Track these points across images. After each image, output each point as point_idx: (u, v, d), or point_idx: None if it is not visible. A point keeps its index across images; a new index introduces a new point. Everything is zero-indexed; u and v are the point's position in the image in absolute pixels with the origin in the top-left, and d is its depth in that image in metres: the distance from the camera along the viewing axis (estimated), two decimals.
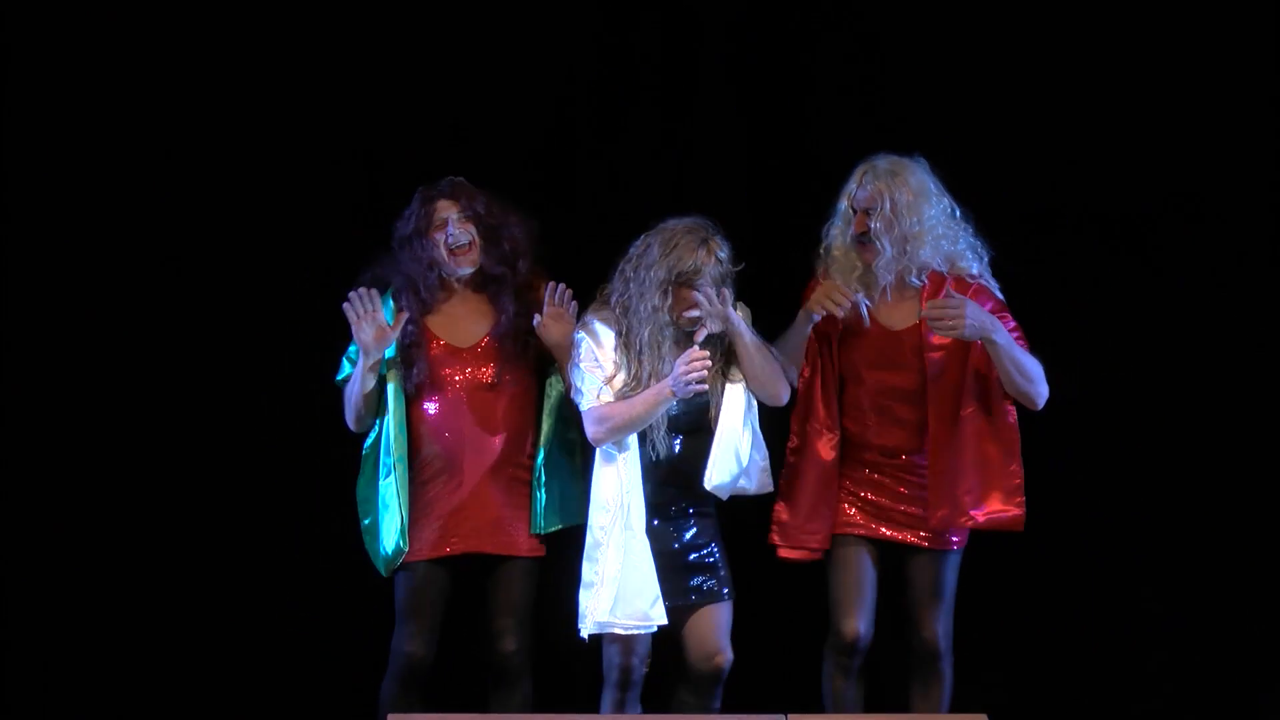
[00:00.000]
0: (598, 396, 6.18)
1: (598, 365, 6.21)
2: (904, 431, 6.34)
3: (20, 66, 7.15)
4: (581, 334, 6.24)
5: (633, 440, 6.19)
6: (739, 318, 6.19)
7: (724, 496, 6.31)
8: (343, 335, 6.37)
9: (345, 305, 6.25)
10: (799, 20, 7.23)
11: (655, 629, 6.18)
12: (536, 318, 6.28)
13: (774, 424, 6.42)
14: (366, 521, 6.35)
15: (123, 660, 7.13)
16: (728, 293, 6.16)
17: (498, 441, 6.31)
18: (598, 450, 6.21)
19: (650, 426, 6.18)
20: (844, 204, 6.36)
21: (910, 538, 6.35)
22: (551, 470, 6.36)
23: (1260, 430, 7.20)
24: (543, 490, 6.35)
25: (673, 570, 6.24)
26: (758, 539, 6.52)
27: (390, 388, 6.31)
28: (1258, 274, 7.19)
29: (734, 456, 6.25)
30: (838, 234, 6.38)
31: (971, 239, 6.38)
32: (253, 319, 7.15)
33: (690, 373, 6.03)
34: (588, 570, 6.20)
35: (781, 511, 6.39)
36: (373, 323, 6.22)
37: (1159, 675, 7.21)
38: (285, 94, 7.16)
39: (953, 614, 6.39)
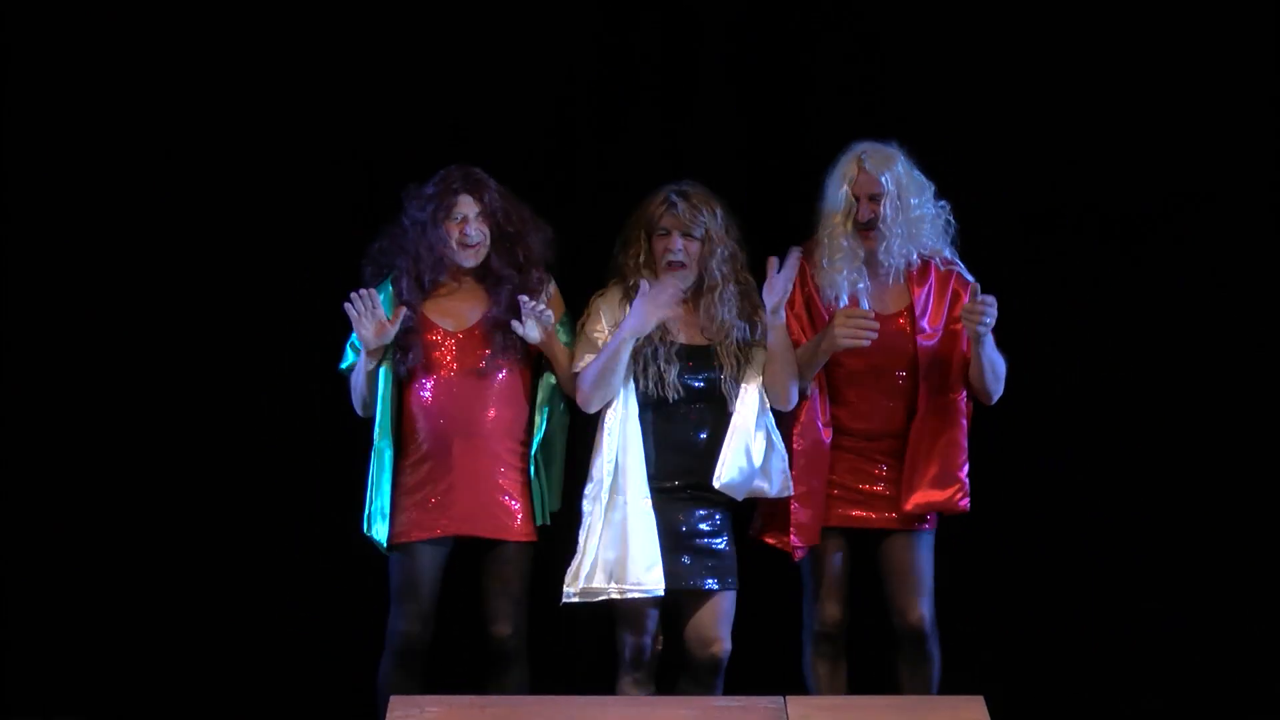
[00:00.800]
0: (582, 362, 6.30)
1: (592, 340, 6.31)
2: (889, 414, 6.35)
3: (20, 66, 7.17)
4: (592, 303, 6.39)
5: (633, 405, 6.24)
6: (782, 322, 6.25)
7: (738, 497, 6.32)
8: (342, 333, 6.39)
9: (346, 305, 6.27)
10: (799, 20, 7.24)
11: (653, 595, 6.19)
12: (516, 325, 6.29)
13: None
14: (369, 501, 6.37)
15: (122, 650, 7.14)
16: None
17: (488, 426, 6.32)
18: (605, 417, 6.27)
19: (659, 380, 6.23)
20: (844, 189, 6.34)
21: (882, 520, 6.35)
22: (547, 460, 6.38)
23: (1260, 429, 7.19)
24: (542, 481, 6.36)
25: (677, 551, 6.26)
26: (751, 524, 6.51)
27: (382, 371, 6.34)
28: (1258, 274, 7.18)
29: (745, 455, 6.27)
30: (838, 222, 6.36)
31: (947, 221, 6.40)
32: (253, 318, 7.15)
33: (652, 298, 6.15)
34: (590, 535, 6.26)
35: (799, 512, 6.37)
36: (372, 319, 6.25)
37: (1154, 665, 7.20)
38: (285, 94, 7.17)
39: (933, 594, 6.38)
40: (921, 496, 6.31)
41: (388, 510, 6.29)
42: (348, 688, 6.84)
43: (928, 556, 6.38)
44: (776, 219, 7.08)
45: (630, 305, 6.29)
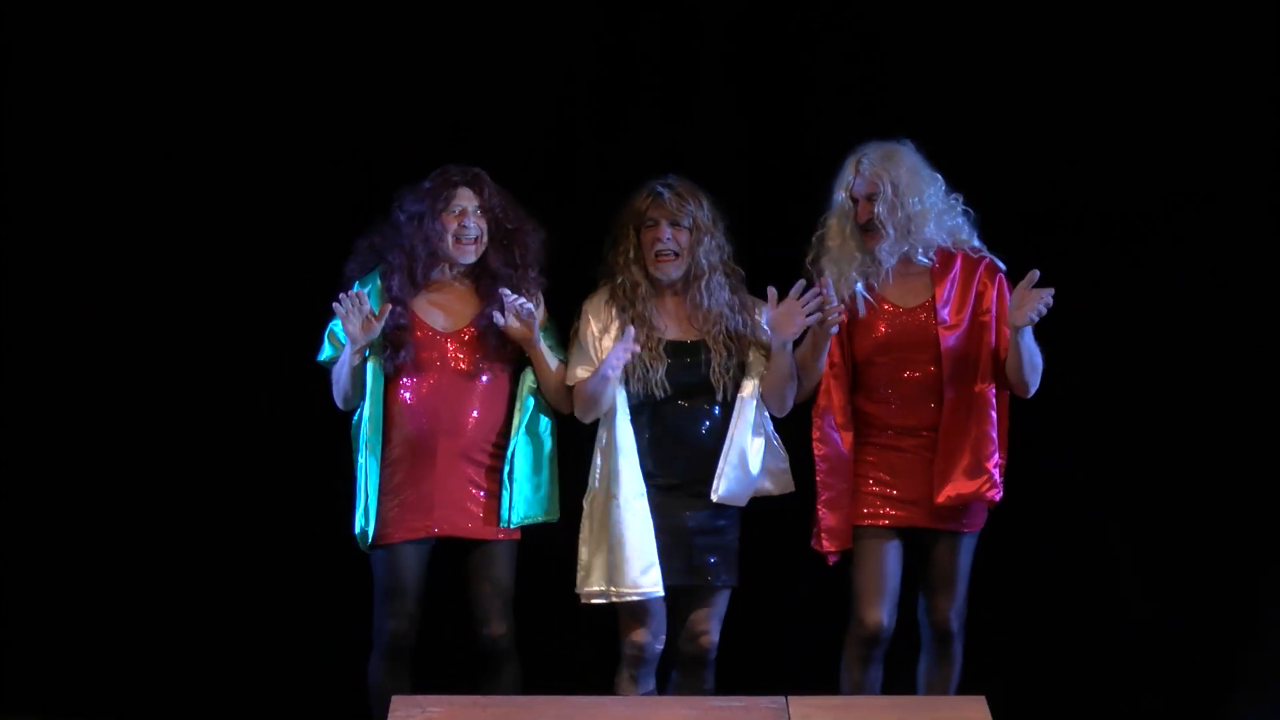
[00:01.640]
0: (576, 375, 6.33)
1: (582, 349, 6.34)
2: (923, 409, 6.35)
3: (20, 66, 7.17)
4: (582, 309, 6.40)
5: (624, 408, 6.27)
6: (788, 351, 6.28)
7: (741, 503, 6.35)
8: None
9: (335, 304, 6.25)
10: (799, 20, 7.25)
11: (652, 597, 6.21)
12: (498, 316, 6.28)
13: (792, 422, 6.46)
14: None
15: (122, 649, 7.16)
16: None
17: (471, 427, 6.32)
18: (597, 426, 6.31)
19: (647, 383, 6.26)
20: (841, 195, 6.38)
21: (932, 521, 6.34)
22: (519, 464, 6.36)
23: (1260, 429, 7.19)
24: (510, 484, 6.35)
25: (677, 548, 6.28)
26: (757, 521, 6.51)
27: (370, 368, 6.32)
28: (1258, 274, 7.18)
29: (742, 466, 6.31)
30: (834, 225, 6.39)
31: (966, 211, 6.41)
32: (253, 318, 7.15)
33: (617, 355, 6.18)
34: (584, 540, 6.29)
35: (827, 516, 6.38)
36: (359, 314, 6.22)
37: (1155, 665, 7.20)
38: (285, 94, 7.17)
39: (966, 597, 6.39)
40: (953, 489, 6.31)
41: (374, 510, 6.27)
42: (342, 686, 6.85)
43: (968, 560, 6.40)
44: (776, 219, 7.09)
45: (617, 307, 6.34)
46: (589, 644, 6.79)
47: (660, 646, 6.32)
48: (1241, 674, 7.14)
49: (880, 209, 6.29)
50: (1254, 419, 7.19)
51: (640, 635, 6.29)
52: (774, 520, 6.67)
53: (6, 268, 7.18)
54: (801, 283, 6.27)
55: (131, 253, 7.18)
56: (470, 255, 6.36)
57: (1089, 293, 7.16)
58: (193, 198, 7.17)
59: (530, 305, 6.29)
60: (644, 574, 6.21)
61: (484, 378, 6.35)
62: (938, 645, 6.41)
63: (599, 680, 6.45)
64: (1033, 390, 6.36)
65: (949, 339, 6.32)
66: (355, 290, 6.25)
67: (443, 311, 6.38)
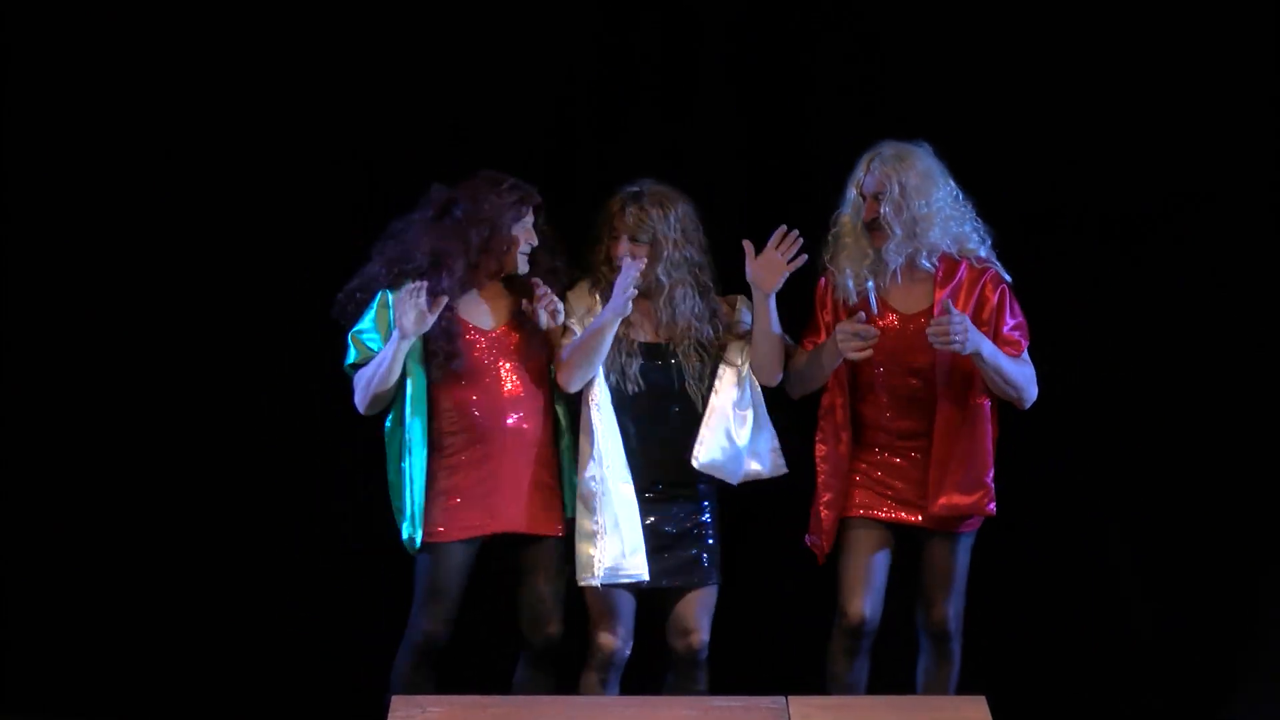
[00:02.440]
0: (560, 347, 6.37)
1: (569, 329, 6.37)
2: (918, 414, 6.35)
3: (20, 66, 7.17)
4: (565, 298, 6.43)
5: (605, 393, 6.29)
6: (771, 306, 6.29)
7: (732, 480, 6.35)
8: (341, 332, 6.36)
9: (403, 293, 6.18)
10: (799, 20, 7.24)
11: (636, 580, 6.24)
12: (542, 316, 6.32)
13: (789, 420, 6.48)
14: (396, 504, 6.33)
15: (121, 647, 7.16)
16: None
17: (522, 423, 6.33)
18: (588, 406, 6.31)
19: (620, 379, 6.31)
20: (853, 192, 6.39)
21: (923, 521, 6.34)
22: (568, 458, 6.42)
23: (1260, 429, 7.19)
24: (562, 478, 6.40)
25: (659, 551, 6.31)
26: (758, 521, 6.51)
27: (414, 371, 6.28)
28: (1258, 274, 7.18)
29: (725, 436, 6.32)
30: (846, 222, 6.40)
31: (975, 221, 6.40)
32: (253, 318, 7.15)
33: (626, 284, 6.19)
34: (586, 521, 6.28)
35: (829, 517, 6.38)
36: (415, 307, 6.20)
37: (1155, 665, 7.21)
38: (285, 94, 7.17)
39: (964, 597, 6.39)
40: (947, 500, 6.31)
41: (420, 513, 6.26)
42: (342, 686, 6.86)
43: (965, 560, 6.39)
44: (776, 219, 7.08)
45: (600, 294, 6.37)
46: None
47: (628, 651, 6.34)
48: (1242, 674, 7.14)
49: (886, 209, 6.30)
50: (1254, 419, 7.19)
51: (609, 639, 6.31)
52: (774, 520, 6.69)
53: (6, 268, 7.18)
54: (781, 229, 6.26)
55: (131, 253, 7.17)
56: (526, 266, 6.39)
57: (1089, 293, 7.17)
58: (193, 198, 7.17)
59: (560, 304, 6.35)
60: (630, 556, 6.24)
61: (528, 373, 6.37)
62: (936, 647, 6.41)
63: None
64: (1027, 403, 6.35)
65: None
66: (414, 285, 6.20)
67: (480, 310, 6.37)
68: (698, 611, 6.34)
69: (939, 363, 6.31)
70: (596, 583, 6.25)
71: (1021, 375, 6.32)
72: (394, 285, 6.26)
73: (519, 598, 6.35)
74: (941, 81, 7.18)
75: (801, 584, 6.66)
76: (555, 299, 6.33)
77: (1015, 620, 7.14)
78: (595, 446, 6.29)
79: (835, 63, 7.25)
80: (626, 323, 6.34)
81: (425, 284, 6.19)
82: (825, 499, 6.38)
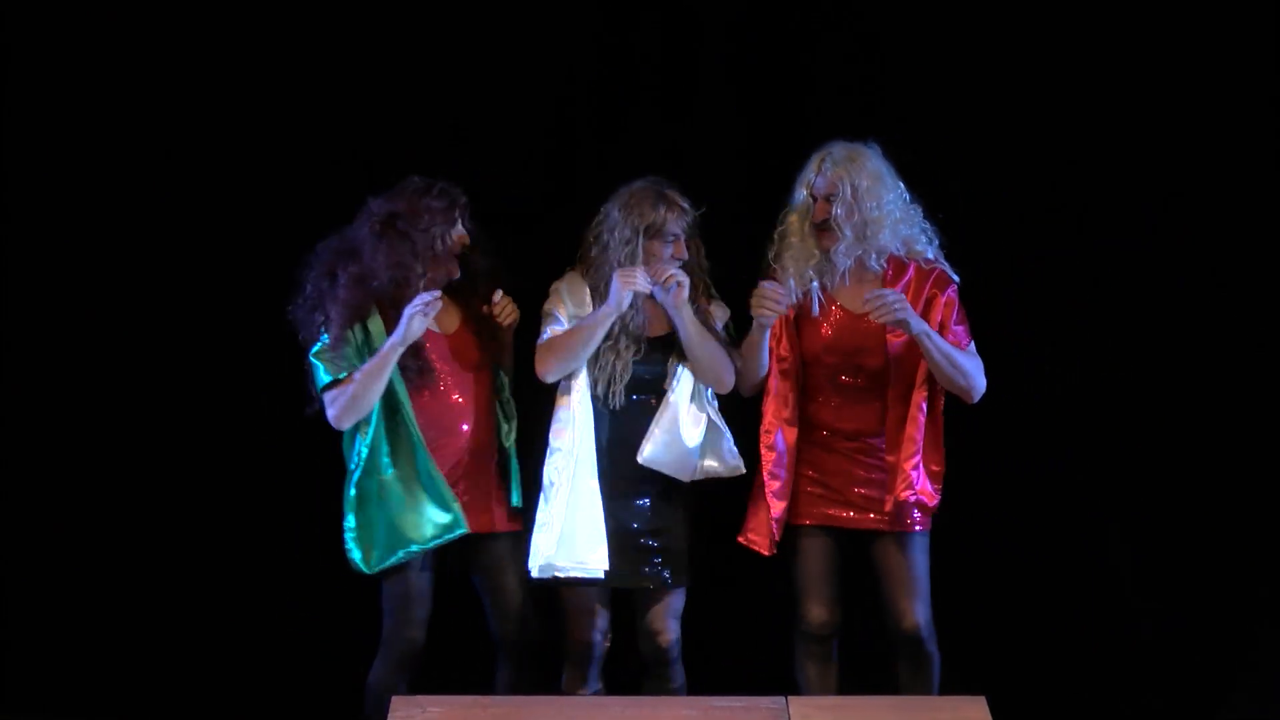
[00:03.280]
0: (553, 332, 6.37)
1: (555, 316, 6.36)
2: (865, 414, 6.36)
3: (20, 66, 7.17)
4: (554, 288, 6.42)
5: (585, 387, 6.31)
6: (681, 303, 6.28)
7: (682, 478, 6.37)
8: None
9: (420, 303, 6.21)
10: (799, 20, 7.24)
11: (597, 576, 6.27)
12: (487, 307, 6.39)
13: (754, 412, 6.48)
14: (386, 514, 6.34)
15: (120, 647, 7.18)
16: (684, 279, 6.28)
17: (476, 425, 6.39)
18: (558, 396, 6.34)
19: (610, 379, 6.30)
20: (802, 193, 6.41)
21: (870, 522, 6.35)
22: (513, 455, 6.45)
23: (1260, 429, 7.19)
24: (510, 475, 6.42)
25: (627, 551, 6.34)
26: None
27: (397, 387, 6.31)
28: (1258, 274, 7.18)
29: (674, 432, 6.34)
30: (794, 221, 6.42)
31: (923, 223, 6.42)
32: (254, 319, 7.13)
33: (627, 280, 6.19)
34: (542, 511, 6.31)
35: (775, 506, 6.38)
36: (427, 315, 6.25)
37: (1155, 665, 7.21)
38: (285, 94, 7.17)
39: (929, 595, 6.36)
40: (899, 494, 6.30)
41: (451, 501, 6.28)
42: (342, 686, 6.85)
43: (922, 558, 6.37)
44: (776, 219, 7.09)
45: (594, 294, 6.38)
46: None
47: (607, 644, 6.38)
48: (1242, 674, 7.14)
49: (838, 211, 6.31)
50: (1254, 419, 7.19)
51: (587, 633, 6.35)
52: None
53: (6, 268, 7.18)
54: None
55: (132, 253, 7.18)
56: (458, 269, 6.43)
57: (1089, 293, 7.17)
58: (192, 198, 7.17)
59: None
60: (593, 553, 6.27)
61: (480, 375, 6.42)
62: (910, 651, 6.38)
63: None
64: (974, 395, 6.33)
65: (896, 345, 6.32)
66: (431, 295, 6.23)
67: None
68: (666, 612, 6.37)
69: (890, 358, 6.31)
70: (537, 574, 6.29)
71: (968, 363, 6.31)
72: (363, 304, 6.28)
73: (485, 598, 6.39)
74: (942, 81, 7.17)
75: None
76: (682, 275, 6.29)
77: (1015, 620, 7.15)
78: (565, 439, 6.31)
79: (835, 63, 7.25)
80: (646, 314, 6.35)
81: (439, 293, 6.22)
82: (773, 488, 6.35)
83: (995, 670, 6.76)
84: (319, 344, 6.33)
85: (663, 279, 6.25)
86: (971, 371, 6.31)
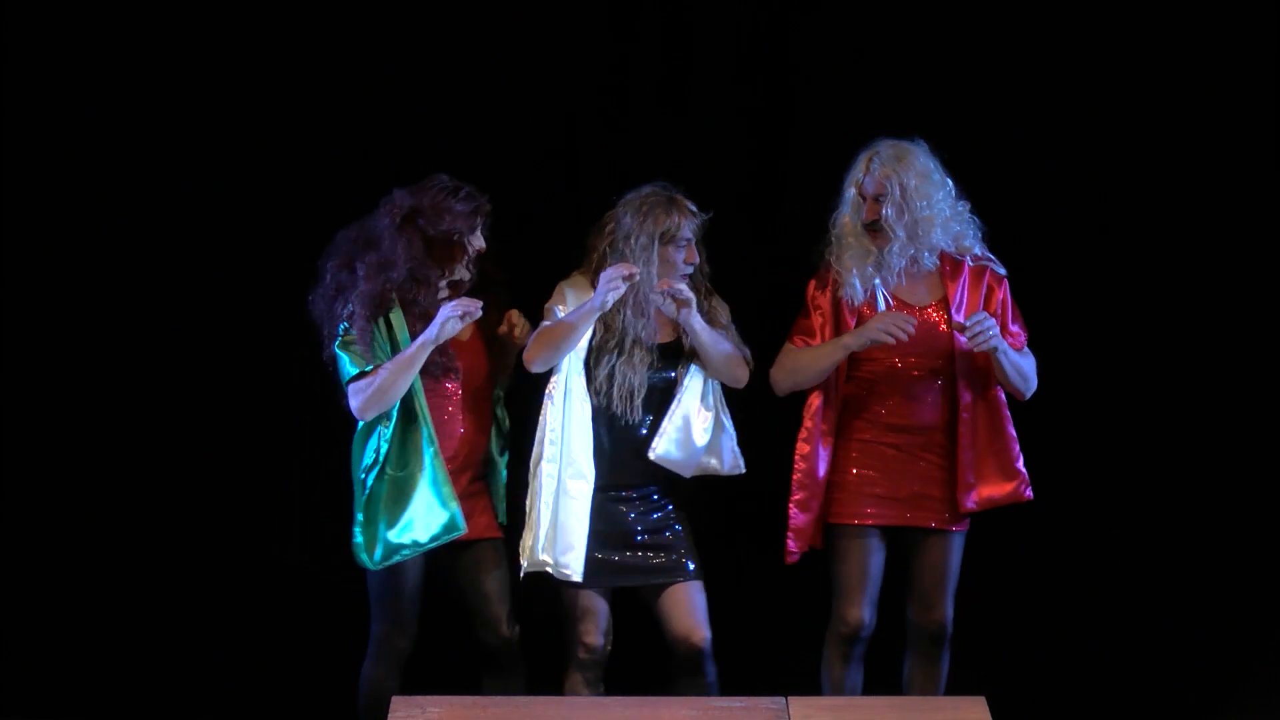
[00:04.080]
0: (539, 328, 6.37)
1: (554, 312, 6.36)
2: (923, 409, 6.34)
3: (20, 66, 7.17)
4: (559, 286, 6.42)
5: (582, 387, 6.31)
6: (691, 317, 6.28)
7: (684, 474, 6.38)
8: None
9: (460, 309, 6.20)
10: (798, 20, 7.24)
11: (572, 579, 6.28)
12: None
13: (762, 412, 6.49)
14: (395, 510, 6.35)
15: (119, 648, 7.19)
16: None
17: (469, 432, 6.38)
18: (547, 393, 6.35)
19: (629, 394, 6.30)
20: (852, 191, 6.37)
21: (919, 519, 6.33)
22: (502, 463, 6.48)
23: (1261, 429, 7.19)
24: (497, 483, 6.44)
25: (627, 549, 6.35)
26: (755, 523, 6.51)
27: (417, 386, 6.30)
28: (1258, 274, 7.18)
29: (686, 431, 6.34)
30: (847, 222, 6.38)
31: (972, 217, 6.42)
32: (254, 320, 7.16)
33: (612, 281, 6.18)
34: (529, 509, 6.35)
35: (797, 517, 6.38)
36: (461, 321, 6.24)
37: (1156, 665, 7.22)
38: (286, 95, 7.18)
39: (955, 597, 6.38)
40: (982, 493, 6.31)
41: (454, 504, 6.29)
42: (341, 686, 6.85)
43: (959, 559, 6.38)
44: (776, 219, 7.10)
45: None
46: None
47: (609, 647, 6.37)
48: (1243, 675, 7.15)
49: (888, 211, 6.28)
50: (1256, 419, 7.20)
51: (592, 637, 6.35)
52: (774, 520, 6.68)
53: (6, 268, 7.18)
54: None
55: (132, 254, 7.18)
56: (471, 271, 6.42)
57: (1089, 293, 7.17)
58: (195, 198, 7.17)
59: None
60: (569, 555, 6.28)
61: (485, 379, 6.42)
62: (931, 648, 6.39)
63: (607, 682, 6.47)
64: (1028, 395, 6.38)
65: (963, 339, 6.30)
66: (470, 300, 6.23)
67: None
68: (692, 609, 6.33)
69: (960, 355, 6.30)
70: (522, 571, 6.31)
71: (1030, 367, 6.35)
72: (384, 294, 6.27)
73: (468, 603, 6.38)
74: (942, 82, 7.17)
75: (801, 584, 6.65)
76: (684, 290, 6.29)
77: (1015, 620, 7.15)
78: (558, 443, 6.32)
79: (835, 63, 7.24)
80: (655, 322, 6.35)
81: (480, 303, 6.21)
82: (798, 498, 6.35)
83: (995, 670, 6.77)
84: (341, 335, 6.31)
85: (669, 298, 6.24)
86: (1031, 375, 6.35)
